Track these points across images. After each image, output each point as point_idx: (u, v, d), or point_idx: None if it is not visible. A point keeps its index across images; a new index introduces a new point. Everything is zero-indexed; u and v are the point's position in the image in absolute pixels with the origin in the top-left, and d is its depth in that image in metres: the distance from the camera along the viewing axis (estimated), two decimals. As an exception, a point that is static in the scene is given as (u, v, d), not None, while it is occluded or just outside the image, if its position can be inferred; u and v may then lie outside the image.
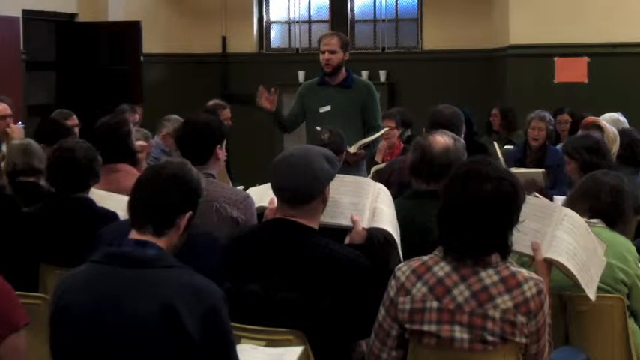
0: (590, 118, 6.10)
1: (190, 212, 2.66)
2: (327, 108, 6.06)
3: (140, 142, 4.98)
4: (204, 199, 2.80)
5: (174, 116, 6.96)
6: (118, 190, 4.39)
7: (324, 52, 6.05)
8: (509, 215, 2.78)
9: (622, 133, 5.54)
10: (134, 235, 2.60)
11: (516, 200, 2.79)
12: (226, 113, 6.97)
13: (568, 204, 3.73)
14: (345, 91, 6.09)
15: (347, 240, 3.36)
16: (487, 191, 2.73)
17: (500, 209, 2.75)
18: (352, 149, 5.64)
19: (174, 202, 2.62)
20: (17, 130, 6.38)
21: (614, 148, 5.45)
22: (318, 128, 5.76)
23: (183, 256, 2.63)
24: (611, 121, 6.33)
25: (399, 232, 3.50)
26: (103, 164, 4.46)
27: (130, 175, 4.55)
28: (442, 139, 3.82)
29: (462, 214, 2.74)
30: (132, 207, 2.64)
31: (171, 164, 2.73)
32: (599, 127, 5.76)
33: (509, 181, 2.78)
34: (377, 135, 5.95)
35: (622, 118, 6.51)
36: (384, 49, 10.94)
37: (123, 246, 2.57)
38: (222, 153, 3.98)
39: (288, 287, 2.94)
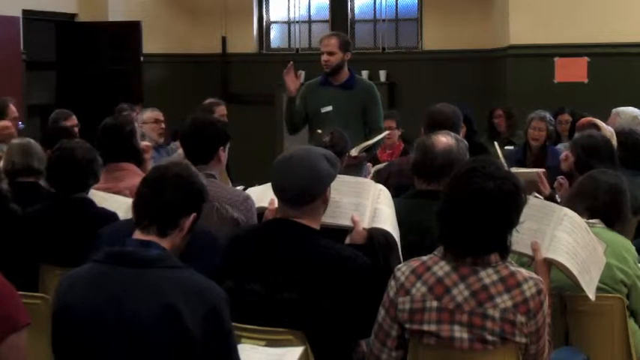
0: (586, 119, 6.11)
1: (194, 214, 2.66)
2: (329, 108, 6.04)
3: (145, 143, 4.96)
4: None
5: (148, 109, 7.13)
6: (119, 189, 4.40)
7: (323, 53, 6.05)
8: (510, 215, 2.78)
9: (625, 134, 5.51)
10: (138, 235, 2.61)
11: (517, 201, 2.79)
12: (221, 110, 6.98)
13: (567, 203, 3.73)
14: (347, 91, 6.06)
15: (347, 240, 3.36)
16: (488, 190, 2.73)
17: (501, 209, 2.75)
18: (353, 152, 5.61)
19: (178, 203, 2.63)
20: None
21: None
22: (319, 131, 5.75)
23: (183, 256, 2.63)
24: (631, 118, 6.33)
25: (398, 232, 3.50)
26: (106, 163, 4.47)
27: (133, 173, 4.54)
28: (445, 139, 3.82)
29: (463, 213, 2.75)
30: (136, 207, 2.65)
31: (176, 165, 2.74)
32: (595, 127, 5.75)
33: (511, 181, 2.79)
34: (378, 138, 5.93)
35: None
36: (384, 49, 10.94)
37: (126, 246, 2.57)
38: (224, 155, 3.99)
39: (289, 287, 2.94)
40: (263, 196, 3.74)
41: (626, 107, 6.63)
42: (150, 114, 6.95)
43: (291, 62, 6.13)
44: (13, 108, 6.58)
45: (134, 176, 4.46)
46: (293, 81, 6.07)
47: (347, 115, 5.95)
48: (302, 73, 6.12)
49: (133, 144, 4.66)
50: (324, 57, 6.03)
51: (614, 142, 5.45)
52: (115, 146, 4.60)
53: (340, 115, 5.92)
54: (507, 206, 2.76)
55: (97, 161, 4.17)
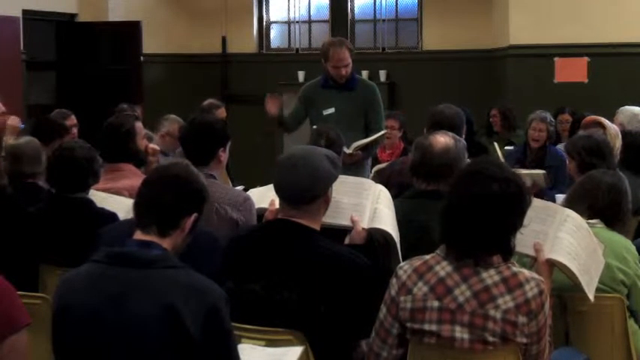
0: (591, 117, 6.09)
1: (195, 214, 2.66)
2: (331, 110, 6.02)
3: (152, 145, 4.91)
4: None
5: (172, 116, 6.95)
6: (116, 189, 4.39)
7: (338, 67, 5.97)
8: (513, 217, 2.77)
9: (629, 135, 5.50)
10: (138, 235, 2.60)
11: (521, 203, 2.79)
12: (221, 112, 6.96)
13: (567, 204, 3.73)
14: (349, 92, 6.03)
15: (347, 240, 3.36)
16: (492, 192, 2.73)
17: (505, 211, 2.74)
18: (349, 150, 5.60)
19: (179, 203, 2.62)
20: (12, 122, 6.35)
21: (617, 143, 5.44)
22: (315, 127, 5.73)
23: (183, 256, 2.63)
24: (631, 116, 6.32)
25: (398, 233, 3.50)
26: (104, 163, 4.47)
27: (130, 174, 4.53)
28: (443, 139, 3.82)
29: (466, 214, 2.74)
30: (137, 207, 2.65)
31: (176, 165, 2.73)
32: (600, 125, 5.74)
33: (515, 183, 2.78)
34: (375, 136, 5.91)
35: None
36: (384, 49, 10.94)
37: (126, 246, 2.57)
38: (224, 155, 3.99)
39: (289, 288, 2.94)
40: (263, 197, 3.74)
41: (630, 106, 6.62)
42: (177, 127, 6.72)
43: (268, 95, 6.22)
44: None
45: (132, 177, 4.46)
46: (274, 106, 6.11)
47: (349, 116, 5.92)
48: (281, 98, 6.24)
49: (130, 144, 4.64)
50: (343, 71, 5.97)
51: (619, 141, 5.45)
52: (113, 146, 4.59)
53: (342, 116, 5.89)
54: (510, 209, 2.76)
55: (97, 161, 4.17)
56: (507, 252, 2.79)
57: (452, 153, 3.78)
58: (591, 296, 3.24)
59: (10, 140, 5.07)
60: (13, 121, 6.31)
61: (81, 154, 4.07)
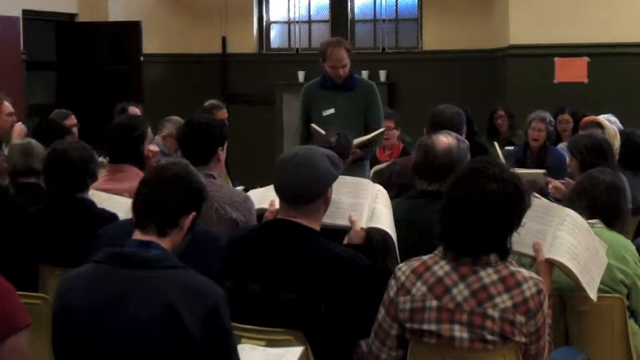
0: (589, 117, 6.09)
1: (194, 213, 2.66)
2: (331, 111, 6.00)
3: (151, 147, 4.90)
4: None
5: (175, 117, 6.95)
6: (119, 190, 4.38)
7: (336, 68, 5.95)
8: (511, 217, 2.77)
9: (625, 134, 5.51)
10: (137, 235, 2.60)
11: (519, 203, 2.79)
12: (222, 114, 6.96)
13: (566, 203, 3.73)
14: (348, 92, 6.01)
15: (345, 240, 3.36)
16: (490, 191, 2.73)
17: (502, 210, 2.75)
18: None
19: (178, 202, 2.62)
20: (18, 129, 6.38)
21: (616, 143, 5.45)
22: (315, 126, 5.73)
23: (183, 256, 2.63)
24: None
25: (395, 232, 3.50)
26: (110, 163, 4.46)
27: (133, 175, 4.52)
28: (446, 140, 3.82)
29: (463, 212, 2.75)
30: (135, 207, 2.65)
31: (175, 164, 2.73)
32: (599, 125, 5.75)
33: (513, 183, 2.78)
34: (374, 134, 5.90)
35: (613, 118, 6.50)
36: (384, 49, 10.94)
37: (126, 246, 2.57)
38: (223, 154, 3.99)
39: (289, 288, 2.94)
40: (263, 197, 3.73)
41: (602, 115, 6.60)
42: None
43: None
44: (6, 104, 6.53)
45: (134, 179, 4.41)
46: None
47: (349, 116, 5.91)
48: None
49: (140, 148, 4.60)
50: (341, 71, 5.95)
51: (618, 141, 5.46)
52: (121, 147, 4.55)
53: (342, 116, 5.88)
54: (508, 208, 2.76)
55: (93, 160, 4.13)
56: (504, 251, 2.79)
57: (454, 153, 3.77)
58: (593, 295, 3.25)
59: (16, 141, 5.07)
60: (19, 128, 6.35)
61: (74, 155, 4.03)
